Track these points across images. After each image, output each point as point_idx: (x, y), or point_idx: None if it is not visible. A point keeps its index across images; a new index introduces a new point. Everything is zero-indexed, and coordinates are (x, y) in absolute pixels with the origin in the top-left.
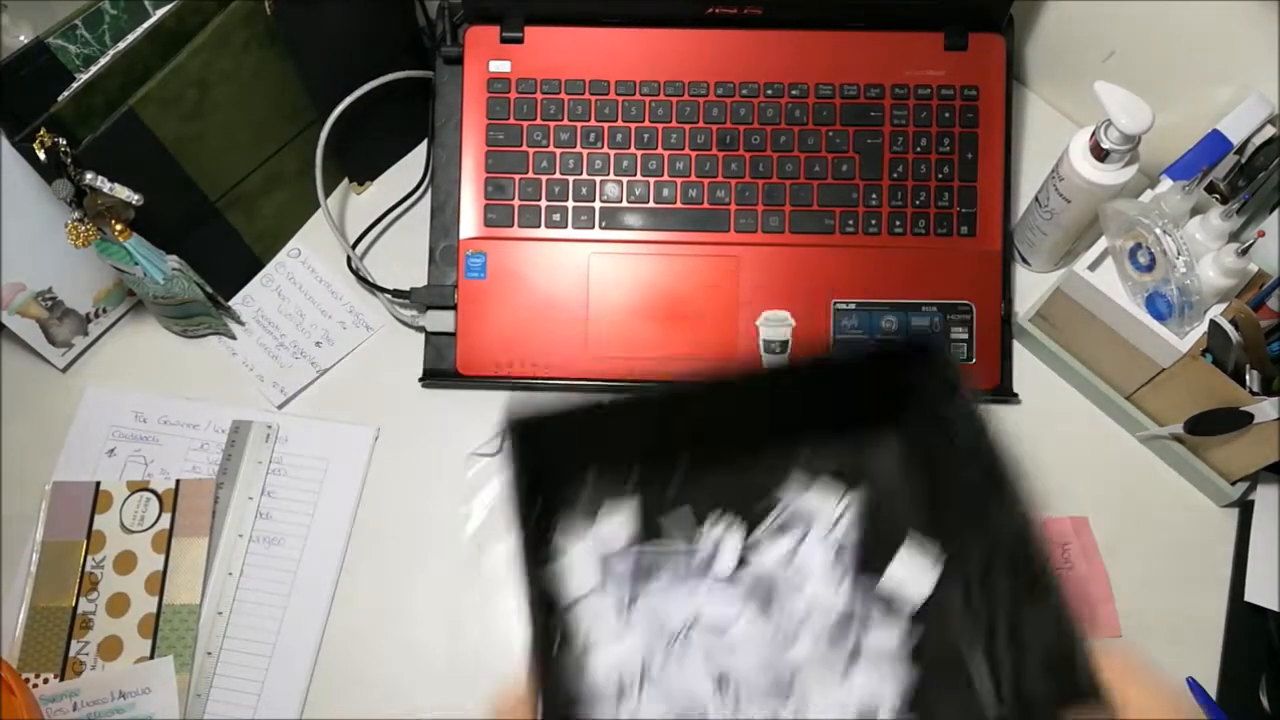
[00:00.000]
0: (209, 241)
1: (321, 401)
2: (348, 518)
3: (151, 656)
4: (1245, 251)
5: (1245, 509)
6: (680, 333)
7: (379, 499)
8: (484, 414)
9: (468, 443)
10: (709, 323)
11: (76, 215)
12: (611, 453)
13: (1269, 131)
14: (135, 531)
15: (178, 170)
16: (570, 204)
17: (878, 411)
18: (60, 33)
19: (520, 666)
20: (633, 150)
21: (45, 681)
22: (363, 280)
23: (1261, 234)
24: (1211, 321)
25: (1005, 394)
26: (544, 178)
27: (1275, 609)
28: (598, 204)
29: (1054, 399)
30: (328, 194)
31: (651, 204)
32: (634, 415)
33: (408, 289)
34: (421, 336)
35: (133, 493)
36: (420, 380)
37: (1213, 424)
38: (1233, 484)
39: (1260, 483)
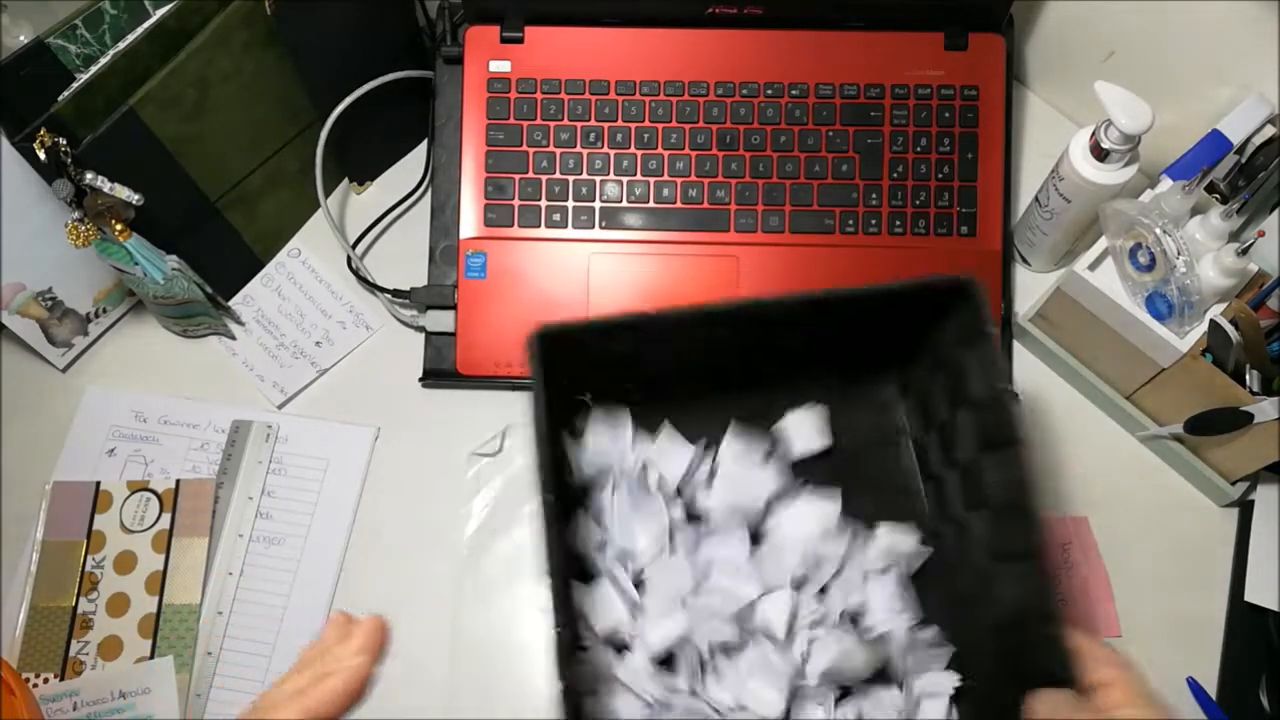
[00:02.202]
0: (209, 241)
1: (321, 401)
2: (348, 518)
3: (151, 656)
4: (1245, 251)
5: (1245, 509)
6: None
7: (379, 499)
8: (484, 414)
9: (468, 443)
10: None
11: (76, 215)
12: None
13: (1269, 131)
14: (135, 531)
15: (178, 170)
16: (570, 204)
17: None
18: (60, 33)
19: None
20: (633, 150)
21: (45, 681)
22: (363, 280)
23: (1261, 234)
24: (1211, 321)
25: None
26: (544, 178)
27: (1275, 609)
28: (598, 204)
29: (1054, 399)
30: (328, 194)
31: (651, 204)
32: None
33: (408, 289)
34: (421, 336)
35: (133, 493)
36: (420, 380)
37: (1213, 424)
38: (1233, 484)
39: (1260, 483)
